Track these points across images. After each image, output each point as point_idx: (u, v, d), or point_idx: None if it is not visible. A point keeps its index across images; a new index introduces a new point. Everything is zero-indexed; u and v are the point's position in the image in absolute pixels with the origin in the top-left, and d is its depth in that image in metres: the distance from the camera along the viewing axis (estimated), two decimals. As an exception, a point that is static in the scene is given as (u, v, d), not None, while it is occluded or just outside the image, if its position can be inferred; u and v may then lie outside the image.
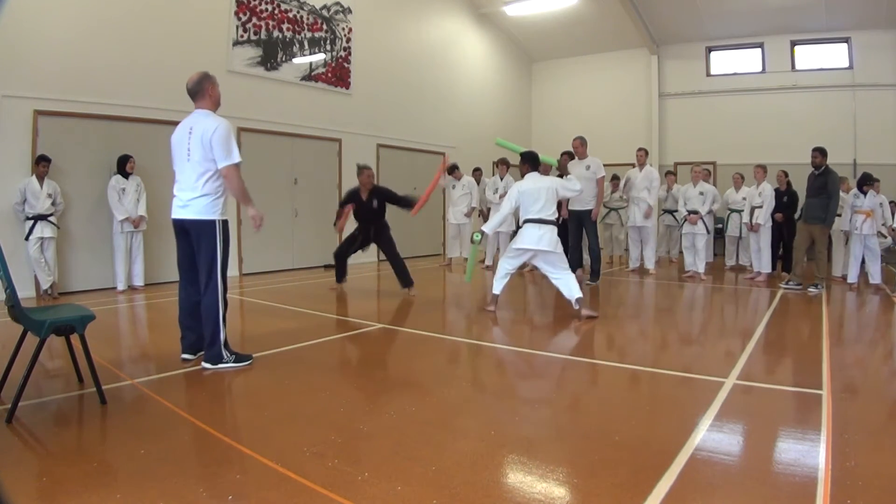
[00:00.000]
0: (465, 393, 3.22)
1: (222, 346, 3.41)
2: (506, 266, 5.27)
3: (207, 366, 3.40)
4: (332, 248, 9.21)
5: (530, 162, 5.10)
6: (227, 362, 3.42)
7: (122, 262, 6.49)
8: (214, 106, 3.41)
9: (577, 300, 4.94)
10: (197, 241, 3.38)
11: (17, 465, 2.16)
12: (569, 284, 4.98)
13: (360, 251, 6.68)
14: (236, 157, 3.32)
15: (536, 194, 4.94)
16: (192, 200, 3.32)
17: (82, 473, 2.08)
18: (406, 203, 6.26)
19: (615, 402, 3.13)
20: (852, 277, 7.05)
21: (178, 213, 3.40)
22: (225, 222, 3.42)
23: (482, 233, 5.32)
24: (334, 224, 6.64)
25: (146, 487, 1.97)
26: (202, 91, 3.37)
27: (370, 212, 6.31)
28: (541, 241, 4.91)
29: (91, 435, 2.59)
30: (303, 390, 3.13)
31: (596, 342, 4.47)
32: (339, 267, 6.61)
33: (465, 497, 1.92)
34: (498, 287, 5.28)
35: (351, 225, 6.64)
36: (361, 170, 6.33)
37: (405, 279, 6.25)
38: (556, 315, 5.34)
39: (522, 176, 5.19)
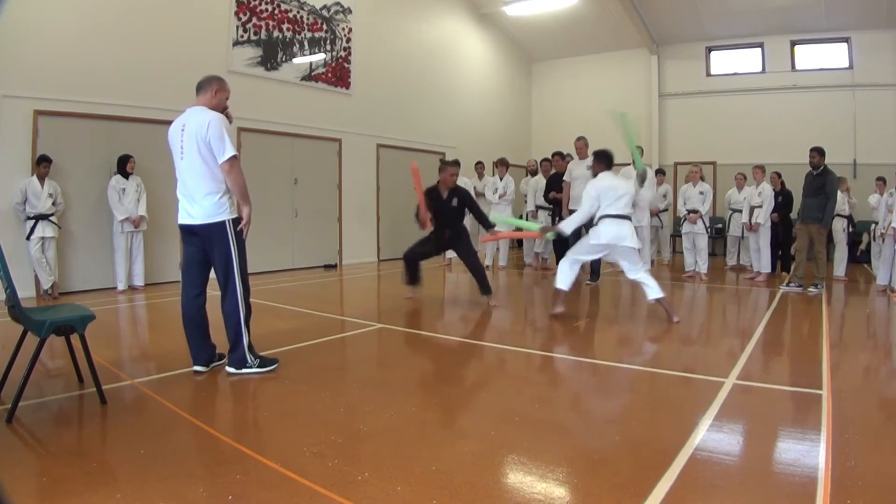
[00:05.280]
0: (464, 393, 3.22)
1: (246, 350, 3.29)
2: (575, 259, 5.05)
3: (231, 370, 3.29)
4: (333, 248, 9.35)
5: (605, 161, 5.04)
6: (251, 367, 3.29)
7: (123, 262, 6.49)
8: (214, 107, 3.26)
9: (659, 301, 4.87)
10: (209, 246, 3.22)
11: (17, 465, 2.16)
12: (649, 283, 4.88)
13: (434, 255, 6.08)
14: (232, 150, 3.13)
15: (615, 192, 4.88)
16: (197, 203, 3.18)
17: (82, 473, 2.08)
18: (485, 222, 5.73)
19: (615, 402, 3.13)
20: (882, 279, 6.77)
21: (185, 218, 3.24)
22: (236, 220, 3.24)
23: (557, 234, 5.23)
24: (417, 218, 5.63)
25: (146, 487, 1.97)
26: (207, 88, 3.25)
27: (450, 211, 5.72)
28: (620, 237, 4.82)
29: (91, 435, 2.59)
30: (303, 390, 3.12)
31: (596, 342, 4.47)
32: (411, 270, 5.90)
33: (465, 497, 1.92)
34: (566, 283, 5.01)
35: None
36: (446, 166, 5.71)
37: (484, 286, 5.72)
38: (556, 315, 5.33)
39: (595, 175, 5.07)
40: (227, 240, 3.21)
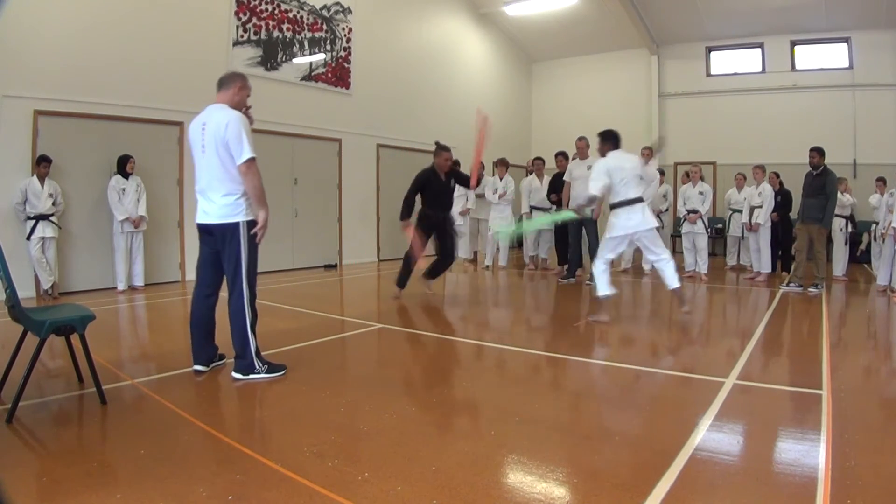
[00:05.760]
0: (464, 393, 3.22)
1: (254, 357, 3.23)
2: (602, 263, 4.91)
3: (238, 376, 3.23)
4: (333, 248, 9.35)
5: (612, 140, 4.90)
6: (258, 373, 3.24)
7: (123, 262, 6.49)
8: (235, 105, 3.23)
9: (675, 290, 4.83)
10: (221, 246, 3.20)
11: (17, 465, 2.16)
12: (668, 270, 4.80)
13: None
14: (249, 152, 3.08)
15: (622, 173, 4.75)
16: (214, 203, 3.16)
17: (82, 473, 2.08)
18: (467, 181, 5.85)
19: (615, 402, 3.13)
20: (883, 279, 6.72)
21: (202, 217, 3.22)
22: (251, 223, 3.19)
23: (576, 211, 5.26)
24: (404, 219, 5.64)
25: (146, 487, 1.97)
26: (230, 85, 3.23)
27: (450, 193, 5.82)
28: (635, 223, 4.72)
29: (91, 435, 2.59)
30: (303, 390, 3.12)
31: (596, 342, 4.46)
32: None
33: (465, 497, 1.92)
34: (605, 287, 4.85)
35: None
36: (441, 150, 5.67)
37: (434, 274, 6.02)
38: (556, 315, 5.34)
39: (603, 155, 4.94)
40: (238, 242, 3.17)
